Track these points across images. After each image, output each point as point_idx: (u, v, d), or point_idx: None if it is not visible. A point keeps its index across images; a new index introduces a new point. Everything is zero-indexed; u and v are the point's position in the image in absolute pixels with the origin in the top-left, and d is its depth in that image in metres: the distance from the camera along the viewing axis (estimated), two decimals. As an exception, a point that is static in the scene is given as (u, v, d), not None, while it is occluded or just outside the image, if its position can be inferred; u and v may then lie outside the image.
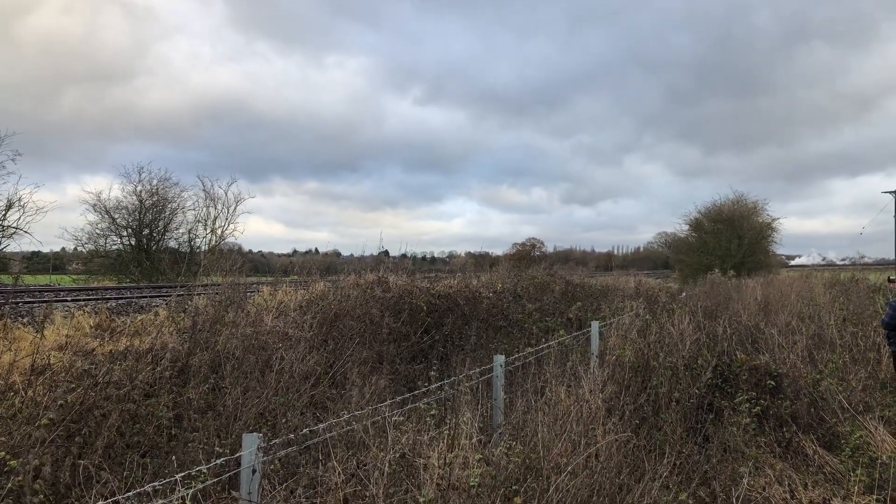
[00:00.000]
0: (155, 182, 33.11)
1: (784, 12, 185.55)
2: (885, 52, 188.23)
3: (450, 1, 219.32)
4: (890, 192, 47.61)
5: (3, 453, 4.46)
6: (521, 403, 6.62)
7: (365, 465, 4.69)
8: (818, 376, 8.55)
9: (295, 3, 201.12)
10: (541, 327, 11.59)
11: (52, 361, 6.20)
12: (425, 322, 10.47)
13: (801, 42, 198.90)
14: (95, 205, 31.87)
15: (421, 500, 4.26)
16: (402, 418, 5.44)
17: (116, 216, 32.40)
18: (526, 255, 51.17)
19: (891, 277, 12.57)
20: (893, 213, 46.78)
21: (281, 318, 9.10)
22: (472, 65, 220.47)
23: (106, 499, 4.01)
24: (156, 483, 3.82)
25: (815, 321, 12.36)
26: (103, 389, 5.78)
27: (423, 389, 6.66)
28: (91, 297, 18.51)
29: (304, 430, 5.18)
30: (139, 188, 32.67)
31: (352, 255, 22.16)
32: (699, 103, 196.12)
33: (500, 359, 7.46)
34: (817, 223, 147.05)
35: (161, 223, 33.55)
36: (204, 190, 34.16)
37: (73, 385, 5.69)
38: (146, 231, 33.02)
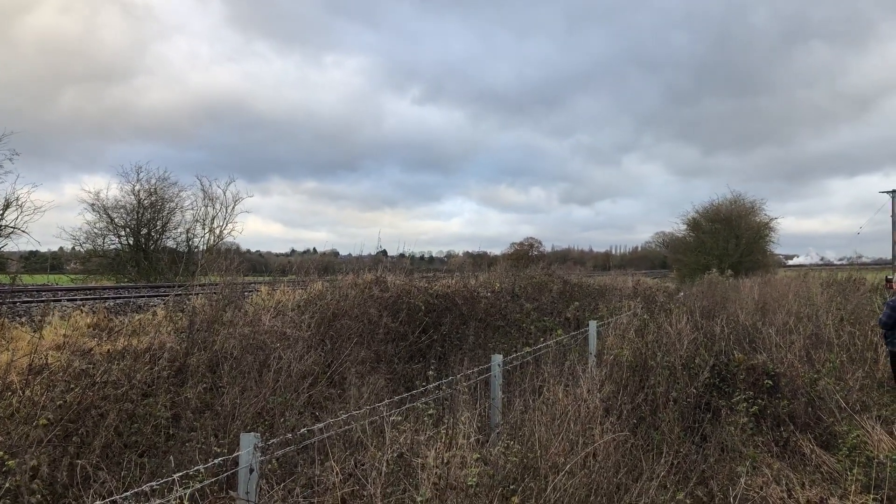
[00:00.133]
0: (153, 182, 33.08)
1: (783, 12, 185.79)
2: (883, 51, 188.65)
3: (449, 0, 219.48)
4: (887, 192, 47.64)
5: (0, 453, 4.46)
6: (518, 403, 6.63)
7: (363, 465, 4.69)
8: (815, 376, 8.57)
9: (294, 2, 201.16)
10: (539, 327, 11.60)
11: (49, 361, 6.20)
12: (423, 322, 10.48)
13: (800, 42, 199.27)
14: (94, 204, 31.82)
15: (419, 499, 4.26)
16: (399, 418, 5.45)
17: (114, 216, 32.35)
18: (524, 255, 51.30)
19: (888, 277, 12.60)
20: (891, 213, 46.82)
21: (279, 317, 9.11)
22: (471, 64, 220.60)
23: (103, 498, 4.01)
24: (153, 483, 3.82)
25: (813, 321, 12.38)
26: (101, 389, 5.78)
27: (421, 389, 6.66)
28: (89, 296, 18.48)
29: (302, 430, 5.18)
30: (137, 188, 32.63)
31: (350, 254, 22.14)
32: (698, 103, 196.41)
33: (497, 358, 7.46)
34: (815, 223, 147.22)
35: (159, 223, 33.50)
36: (202, 189, 34.13)
37: (71, 385, 5.70)
38: (144, 231, 32.96)
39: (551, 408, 6.07)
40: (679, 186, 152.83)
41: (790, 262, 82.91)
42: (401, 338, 9.91)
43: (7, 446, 4.70)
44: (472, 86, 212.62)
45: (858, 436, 7.17)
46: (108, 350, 7.11)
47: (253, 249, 56.35)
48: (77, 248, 33.10)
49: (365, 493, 4.42)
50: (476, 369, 7.36)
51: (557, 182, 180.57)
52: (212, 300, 9.22)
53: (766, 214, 48.22)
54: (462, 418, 5.29)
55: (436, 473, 4.43)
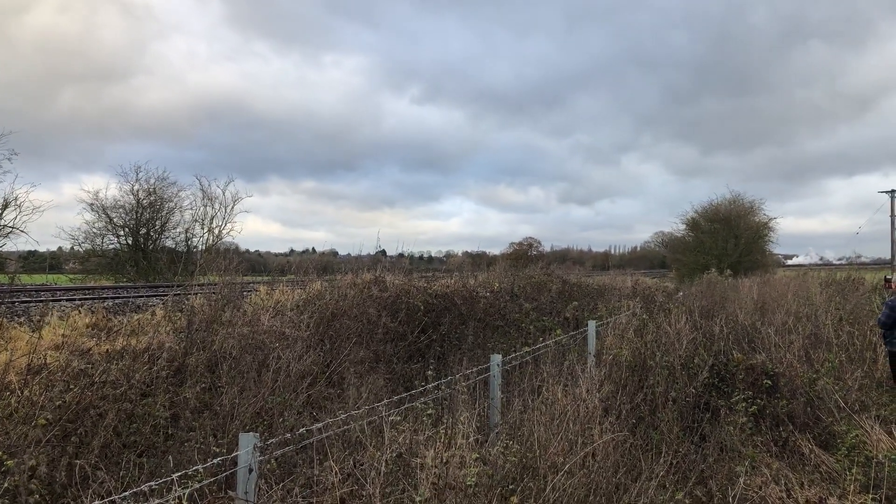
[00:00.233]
0: (152, 181, 33.03)
1: (782, 12, 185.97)
2: (882, 51, 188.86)
3: (448, 0, 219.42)
4: (886, 192, 47.72)
5: (-1, 453, 4.46)
6: (517, 403, 6.62)
7: (362, 465, 4.69)
8: (814, 376, 8.57)
9: (292, 2, 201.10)
10: (538, 327, 11.60)
11: (48, 361, 6.19)
12: (422, 321, 10.47)
13: (799, 41, 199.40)
14: (93, 204, 31.77)
15: (417, 499, 4.26)
16: (398, 418, 5.44)
17: (113, 215, 32.30)
18: (523, 255, 51.28)
19: (887, 277, 12.60)
20: (890, 213, 46.88)
21: (278, 317, 9.10)
22: (471, 64, 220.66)
23: (102, 498, 4.00)
24: (152, 483, 3.82)
25: (812, 321, 12.39)
26: (100, 389, 5.78)
27: (420, 389, 6.66)
28: (88, 296, 18.47)
29: (301, 430, 5.17)
30: (136, 187, 32.58)
31: (349, 254, 22.12)
32: (697, 103, 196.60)
33: (496, 358, 7.46)
34: (814, 222, 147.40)
35: (158, 222, 33.45)
36: (201, 189, 34.09)
37: (70, 385, 5.69)
38: (143, 230, 32.92)
39: (550, 408, 6.07)
40: (678, 186, 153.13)
41: (789, 262, 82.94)
42: (400, 338, 9.91)
43: (6, 446, 4.70)
44: (472, 85, 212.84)
45: (857, 435, 7.17)
46: (107, 350, 7.10)
47: (252, 249, 56.30)
48: (76, 247, 33.10)
49: (364, 492, 4.42)
50: (475, 369, 7.36)
51: (556, 182, 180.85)
52: (210, 300, 9.22)
53: (765, 214, 48.31)
54: (461, 418, 5.29)
55: (435, 473, 4.43)
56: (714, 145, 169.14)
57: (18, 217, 26.24)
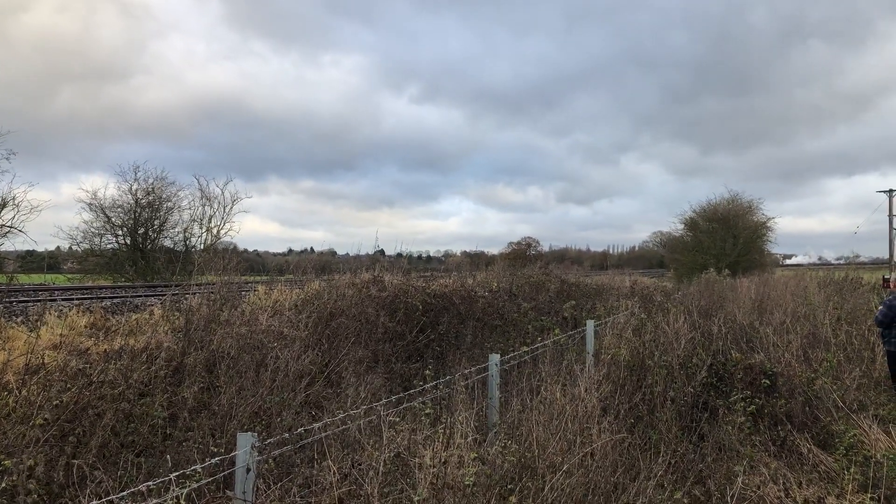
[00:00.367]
0: (151, 181, 33.00)
1: (781, 11, 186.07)
2: (881, 50, 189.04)
3: None
4: (884, 192, 47.76)
5: (-4, 453, 4.45)
6: (516, 402, 6.62)
7: (360, 465, 4.68)
8: (813, 375, 8.58)
9: (291, 1, 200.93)
10: (536, 326, 11.60)
11: (46, 361, 6.18)
12: (421, 321, 10.47)
13: (798, 41, 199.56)
14: (91, 203, 31.74)
15: (416, 499, 4.26)
16: (397, 418, 5.44)
17: (112, 215, 32.27)
18: (521, 255, 51.29)
19: (885, 276, 12.61)
20: (888, 213, 46.90)
21: (276, 317, 9.10)
22: (469, 63, 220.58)
23: (100, 498, 4.00)
24: (150, 482, 3.81)
25: (810, 320, 12.40)
26: (98, 389, 5.77)
27: (419, 388, 6.66)
28: (86, 296, 18.45)
29: (299, 430, 5.17)
30: (135, 187, 32.55)
31: (347, 254, 22.10)
32: (696, 102, 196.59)
33: (495, 358, 7.46)
34: (813, 222, 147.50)
35: (156, 222, 33.42)
36: (200, 189, 34.08)
37: (68, 384, 5.68)
38: (141, 230, 32.88)
39: (549, 407, 6.07)
40: (677, 186, 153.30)
41: (788, 262, 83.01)
42: (398, 337, 9.90)
43: (3, 446, 4.69)
44: (470, 85, 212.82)
45: (855, 435, 7.17)
46: (105, 350, 7.10)
47: (250, 249, 56.18)
48: (74, 247, 33.10)
49: (362, 492, 4.42)
50: (473, 369, 7.36)
51: (555, 181, 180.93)
52: (209, 300, 9.20)
53: (763, 214, 48.42)
54: (459, 418, 5.29)
55: (433, 473, 4.42)
56: (713, 145, 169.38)
57: (16, 216, 26.20)
